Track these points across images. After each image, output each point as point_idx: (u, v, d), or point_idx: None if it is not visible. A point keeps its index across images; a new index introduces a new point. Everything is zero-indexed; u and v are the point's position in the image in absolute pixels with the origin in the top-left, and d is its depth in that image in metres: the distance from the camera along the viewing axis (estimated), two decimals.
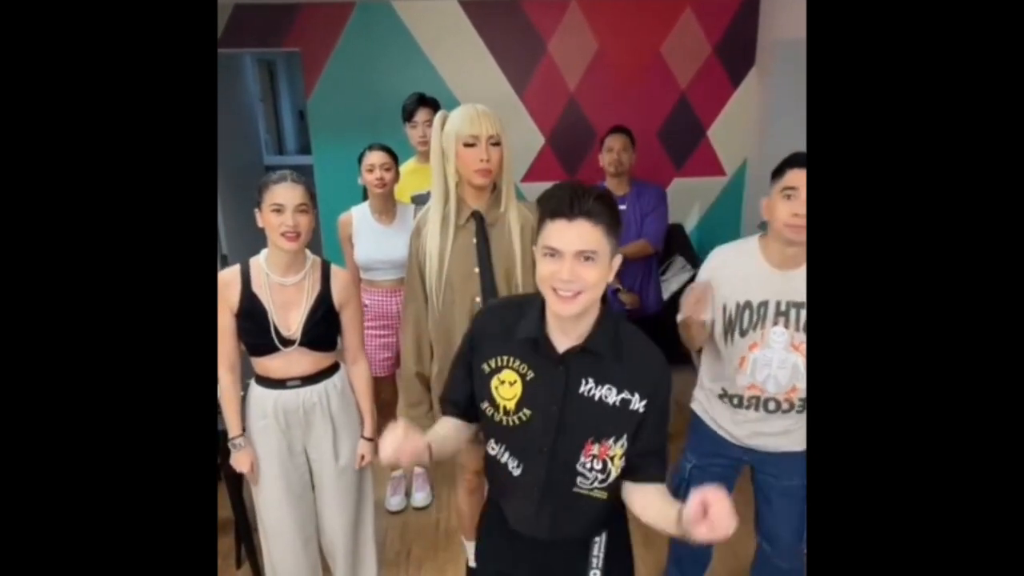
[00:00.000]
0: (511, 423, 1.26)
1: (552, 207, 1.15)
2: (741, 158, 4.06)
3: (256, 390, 1.85)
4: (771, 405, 1.66)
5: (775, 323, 1.60)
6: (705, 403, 1.81)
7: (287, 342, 1.75)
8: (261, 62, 5.77)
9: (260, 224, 1.71)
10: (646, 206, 2.91)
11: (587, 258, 1.13)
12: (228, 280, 1.74)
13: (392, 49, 3.74)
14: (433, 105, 2.67)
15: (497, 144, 1.70)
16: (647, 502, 1.25)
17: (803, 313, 1.58)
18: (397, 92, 3.74)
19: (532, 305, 1.25)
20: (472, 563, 2.29)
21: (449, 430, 1.35)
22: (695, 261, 3.82)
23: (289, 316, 1.75)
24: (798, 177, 1.50)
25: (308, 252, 1.79)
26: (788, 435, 1.69)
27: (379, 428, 1.93)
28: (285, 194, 1.67)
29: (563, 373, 1.22)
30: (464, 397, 1.34)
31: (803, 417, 1.67)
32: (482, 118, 1.68)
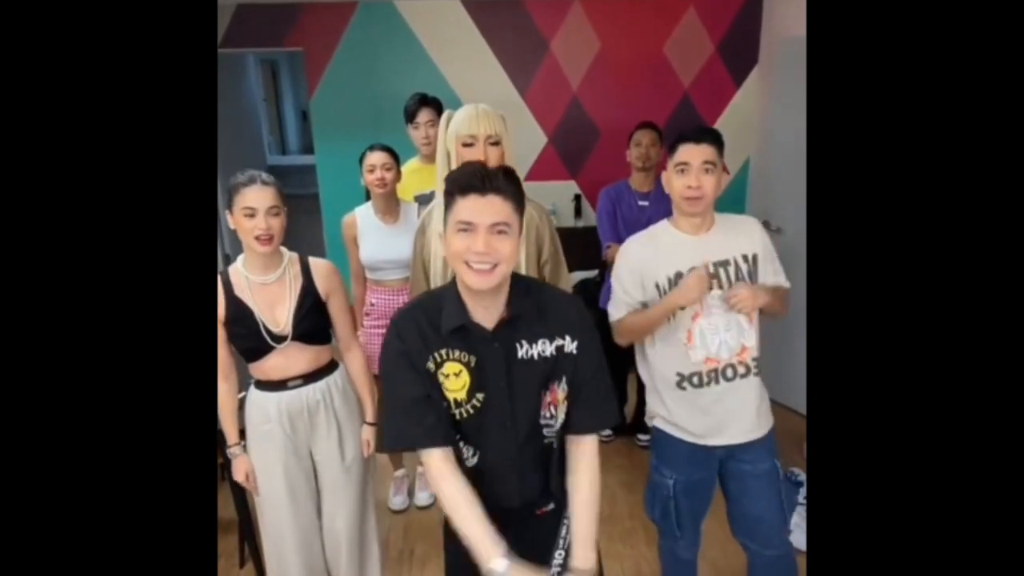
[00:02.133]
0: (463, 414, 1.29)
1: (463, 183, 1.18)
2: (744, 156, 4.05)
3: (256, 394, 1.84)
4: (729, 372, 1.70)
5: (709, 288, 1.65)
6: (666, 413, 1.78)
7: (279, 339, 1.76)
8: (264, 62, 5.78)
9: (231, 226, 1.71)
10: (669, 206, 2.89)
11: (500, 231, 1.17)
12: None
13: (395, 49, 3.74)
14: (435, 105, 2.68)
15: (496, 144, 1.70)
16: (575, 475, 1.32)
17: (730, 270, 1.67)
18: (400, 92, 3.73)
19: (447, 295, 1.27)
20: None
21: (465, 489, 1.27)
22: None
23: (276, 313, 1.76)
24: (688, 152, 1.63)
25: (283, 249, 1.80)
26: (751, 415, 1.72)
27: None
28: (256, 197, 1.66)
29: (500, 348, 1.25)
30: (442, 415, 1.28)
31: (757, 385, 1.73)
32: (481, 118, 1.69)
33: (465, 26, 3.74)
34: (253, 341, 1.75)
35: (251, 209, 1.65)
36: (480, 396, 1.27)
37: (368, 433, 1.95)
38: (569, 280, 1.90)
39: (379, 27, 3.70)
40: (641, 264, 1.72)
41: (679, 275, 1.67)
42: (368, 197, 2.54)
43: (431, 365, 1.26)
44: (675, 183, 1.65)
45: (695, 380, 1.71)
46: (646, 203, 2.93)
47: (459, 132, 1.69)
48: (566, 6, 3.74)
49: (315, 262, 1.83)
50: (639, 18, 3.77)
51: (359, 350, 1.96)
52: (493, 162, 1.69)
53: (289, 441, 1.84)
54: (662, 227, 1.76)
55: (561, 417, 1.32)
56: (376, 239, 2.48)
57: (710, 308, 1.66)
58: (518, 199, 1.20)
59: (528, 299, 1.26)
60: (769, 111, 3.70)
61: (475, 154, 1.67)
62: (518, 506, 1.35)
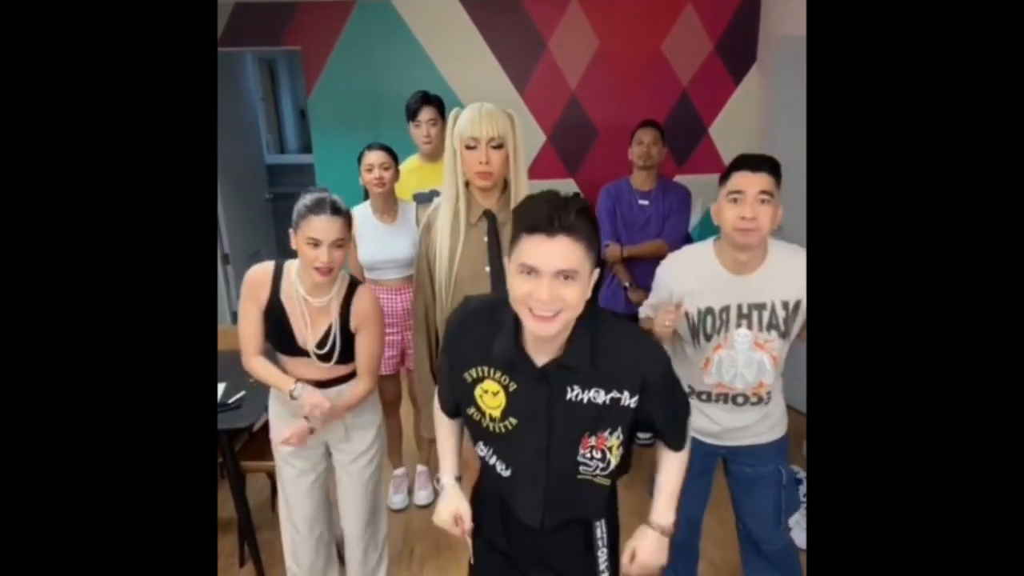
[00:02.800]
0: (499, 430, 1.25)
1: (529, 222, 1.07)
2: None
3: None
4: (739, 399, 1.69)
5: (738, 325, 1.62)
6: None
7: (303, 352, 1.77)
8: (262, 61, 5.76)
9: (293, 246, 1.67)
10: (670, 206, 2.90)
11: (567, 277, 1.06)
12: (260, 281, 1.75)
13: (393, 47, 3.73)
14: (437, 103, 2.67)
15: (499, 147, 1.68)
16: (659, 467, 1.37)
17: (765, 314, 1.61)
18: (398, 90, 3.74)
19: (504, 316, 1.18)
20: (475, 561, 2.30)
21: (459, 436, 1.43)
22: None
23: (308, 331, 1.76)
24: (743, 180, 1.52)
25: (341, 273, 1.77)
26: (757, 428, 1.72)
27: (381, 424, 1.99)
28: (322, 228, 1.61)
29: (545, 387, 1.19)
30: (455, 400, 1.35)
31: (770, 408, 1.71)
32: (483, 120, 1.67)
33: (463, 24, 3.73)
34: (280, 343, 1.78)
35: (316, 240, 1.62)
36: (513, 421, 1.22)
37: (296, 428, 1.79)
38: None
39: (377, 25, 3.69)
40: (677, 287, 1.67)
41: (709, 311, 1.63)
42: (366, 196, 2.54)
43: (468, 376, 1.24)
44: (727, 213, 1.54)
45: (703, 396, 1.72)
46: (646, 202, 2.92)
47: (463, 133, 1.68)
48: (564, 4, 3.74)
49: (360, 295, 1.78)
50: (637, 16, 3.76)
51: (368, 386, 1.88)
52: (496, 165, 1.69)
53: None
54: (706, 254, 1.66)
55: (613, 463, 1.25)
56: (374, 239, 2.47)
57: (734, 344, 1.63)
58: (591, 239, 1.08)
59: (586, 343, 1.16)
60: (768, 109, 3.69)
61: (477, 156, 1.67)
62: (538, 528, 1.32)
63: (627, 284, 2.95)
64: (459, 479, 1.44)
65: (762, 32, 3.82)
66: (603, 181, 3.10)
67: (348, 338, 1.80)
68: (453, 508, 1.38)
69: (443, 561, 2.48)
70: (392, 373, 2.67)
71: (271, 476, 2.72)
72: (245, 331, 1.79)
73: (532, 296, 1.07)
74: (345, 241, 1.66)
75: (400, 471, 2.87)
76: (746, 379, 1.65)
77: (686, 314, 1.65)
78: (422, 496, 2.82)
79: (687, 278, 1.66)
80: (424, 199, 2.66)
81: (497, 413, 1.23)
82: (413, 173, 2.71)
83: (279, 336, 1.77)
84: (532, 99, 3.87)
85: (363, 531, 2.01)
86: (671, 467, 1.36)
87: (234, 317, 4.18)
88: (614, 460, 1.25)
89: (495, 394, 1.22)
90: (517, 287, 1.09)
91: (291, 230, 1.68)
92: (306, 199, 1.65)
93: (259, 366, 1.81)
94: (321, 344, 1.76)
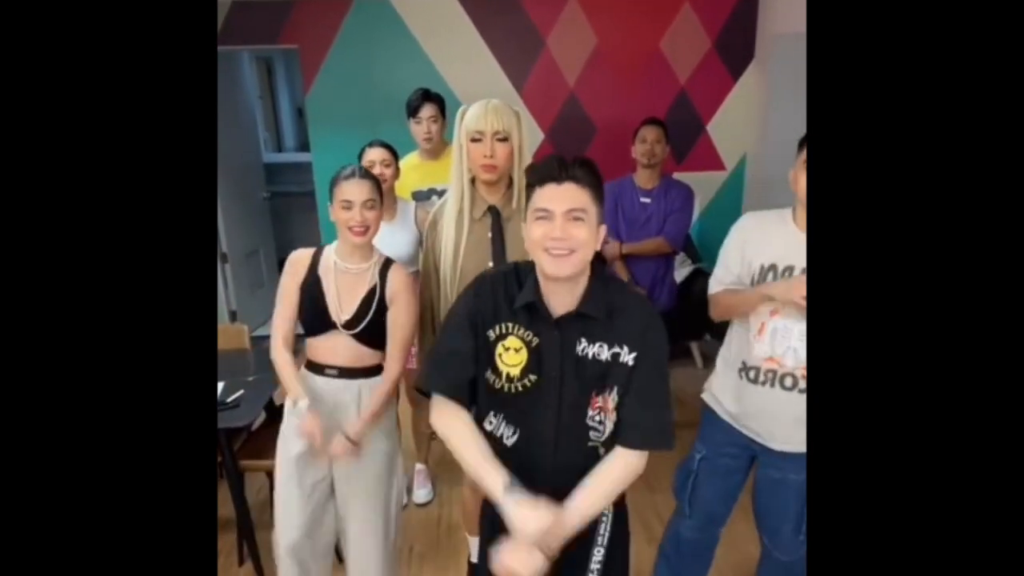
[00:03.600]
0: (513, 390, 1.30)
1: (541, 174, 1.21)
2: (741, 152, 4.06)
3: (304, 372, 1.89)
4: (787, 381, 1.63)
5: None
6: (717, 388, 1.79)
7: (337, 325, 1.80)
8: (259, 59, 5.75)
9: (332, 218, 1.80)
10: (672, 204, 2.90)
11: (577, 217, 1.19)
12: (301, 258, 1.85)
13: (390, 45, 3.73)
14: (438, 101, 2.68)
15: (504, 140, 1.72)
16: (603, 463, 1.30)
17: None
18: (395, 88, 3.74)
19: (527, 274, 1.30)
20: (475, 559, 2.30)
21: (473, 426, 1.33)
22: (696, 255, 3.82)
23: (344, 301, 1.81)
24: None
25: (377, 250, 1.86)
26: (797, 429, 1.66)
27: (393, 428, 1.95)
28: (353, 191, 1.74)
29: (559, 337, 1.26)
30: (468, 377, 1.33)
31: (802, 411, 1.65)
32: (489, 114, 1.71)
33: (461, 22, 3.73)
34: (315, 318, 1.82)
35: (348, 202, 1.74)
36: (532, 378, 1.28)
37: (341, 448, 1.80)
38: None
39: (374, 23, 3.69)
40: (747, 242, 1.66)
41: (773, 267, 1.61)
42: None
43: (492, 333, 1.30)
44: (802, 180, 1.55)
45: (751, 374, 1.69)
46: (648, 200, 2.91)
47: (468, 127, 1.73)
48: (562, 2, 3.74)
49: (396, 268, 1.85)
50: (635, 14, 3.77)
51: (396, 369, 1.86)
52: (501, 158, 1.72)
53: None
54: (781, 214, 1.66)
55: (609, 427, 1.31)
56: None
57: (792, 311, 1.59)
58: (596, 187, 1.22)
59: (602, 300, 1.27)
60: (766, 106, 3.70)
61: (482, 149, 1.71)
62: (548, 492, 1.27)
63: (624, 281, 2.95)
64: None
65: (760, 29, 3.82)
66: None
67: (381, 310, 1.82)
68: (539, 525, 1.19)
69: (442, 559, 2.49)
70: None
71: (270, 475, 2.71)
72: (280, 314, 1.85)
73: (547, 236, 1.19)
74: (376, 203, 1.77)
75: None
76: (797, 355, 1.60)
77: (748, 267, 1.64)
78: (421, 495, 2.82)
79: (758, 234, 1.66)
80: (423, 197, 2.66)
81: (517, 371, 1.29)
82: (412, 170, 2.71)
83: (313, 310, 1.81)
84: (530, 97, 3.87)
85: (369, 526, 1.94)
86: (614, 464, 1.30)
87: (232, 316, 4.18)
88: (609, 424, 1.31)
89: (517, 350, 1.29)
90: (534, 231, 1.21)
91: (329, 204, 1.81)
92: (338, 172, 1.80)
93: (282, 361, 1.83)
94: (355, 317, 1.79)
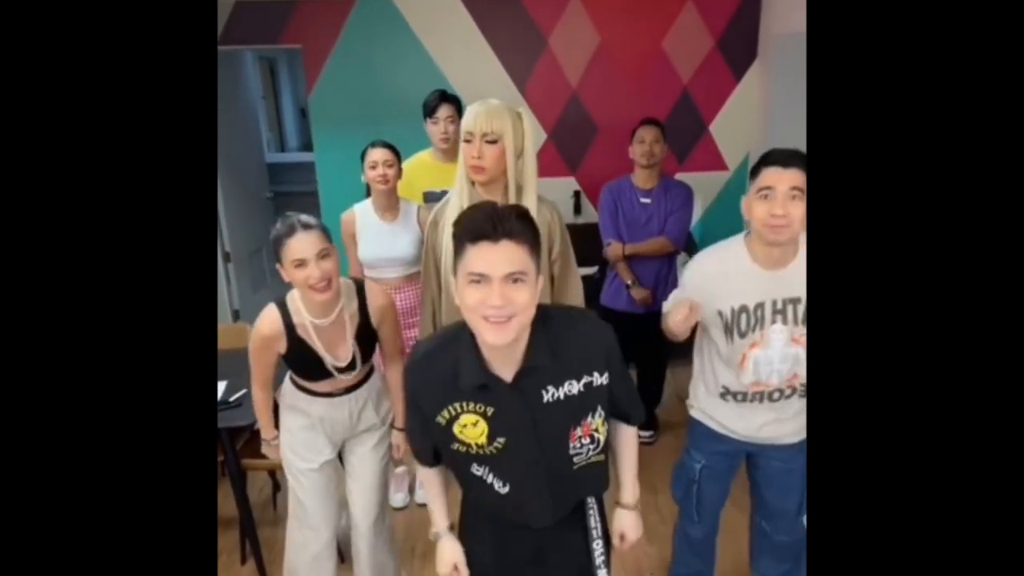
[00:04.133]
0: (489, 452, 1.26)
1: (473, 230, 1.08)
2: (743, 152, 4.05)
3: (295, 393, 1.88)
4: (775, 395, 1.67)
5: (773, 321, 1.59)
6: (706, 407, 1.80)
7: (341, 370, 1.80)
8: (262, 59, 5.76)
9: (286, 279, 1.66)
10: (672, 204, 2.90)
11: (516, 280, 1.08)
12: (272, 334, 1.72)
13: (393, 45, 3.73)
14: (455, 102, 2.67)
15: (493, 142, 1.70)
16: (618, 449, 1.44)
17: (800, 308, 1.58)
18: (398, 88, 3.75)
19: (461, 343, 1.19)
20: None
21: (446, 483, 1.46)
22: None
23: (338, 351, 1.78)
24: (774, 177, 1.49)
25: (341, 281, 1.76)
26: (791, 426, 1.71)
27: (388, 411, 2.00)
28: (302, 247, 1.60)
29: (522, 398, 1.19)
30: (431, 446, 1.36)
31: (803, 401, 1.69)
32: (479, 116, 1.70)
33: (463, 22, 3.73)
34: (314, 373, 1.80)
35: (300, 260, 1.60)
36: (501, 440, 1.23)
37: (398, 438, 1.99)
38: (578, 275, 1.91)
39: (377, 23, 3.69)
40: (707, 289, 1.64)
41: (743, 308, 1.60)
42: (368, 194, 2.53)
43: (441, 419, 1.23)
44: (757, 210, 1.52)
45: (739, 397, 1.71)
46: (648, 200, 2.91)
47: (462, 128, 1.73)
48: (564, 1, 3.73)
49: (370, 292, 1.81)
50: (638, 13, 3.76)
51: (401, 365, 1.89)
52: (489, 160, 1.71)
53: (328, 442, 1.91)
54: (737, 251, 1.63)
55: (602, 440, 1.30)
56: (375, 237, 2.47)
57: (770, 341, 1.61)
58: (534, 240, 1.11)
59: (543, 341, 1.18)
60: (768, 107, 3.69)
61: (471, 150, 1.70)
62: (551, 524, 1.34)
63: (629, 282, 2.94)
64: (451, 527, 1.46)
65: (763, 29, 3.82)
66: (604, 179, 3.09)
67: (370, 337, 1.83)
68: (452, 558, 1.43)
69: None
70: None
71: (272, 474, 2.72)
72: (255, 372, 1.82)
73: (484, 303, 1.07)
74: (329, 251, 1.65)
75: (401, 469, 2.88)
76: (781, 374, 1.63)
77: (719, 312, 1.62)
78: (423, 495, 2.82)
79: (717, 280, 1.63)
80: (435, 198, 2.66)
81: (483, 440, 1.23)
82: (426, 171, 2.71)
83: (307, 370, 1.79)
84: (533, 96, 3.87)
85: (374, 522, 2.00)
86: (629, 446, 1.44)
87: (235, 315, 4.19)
88: (602, 437, 1.30)
89: (475, 424, 1.22)
90: (468, 296, 1.09)
91: (277, 266, 1.67)
92: (276, 228, 1.65)
93: (258, 399, 1.89)
94: (353, 357, 1.80)
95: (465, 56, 3.77)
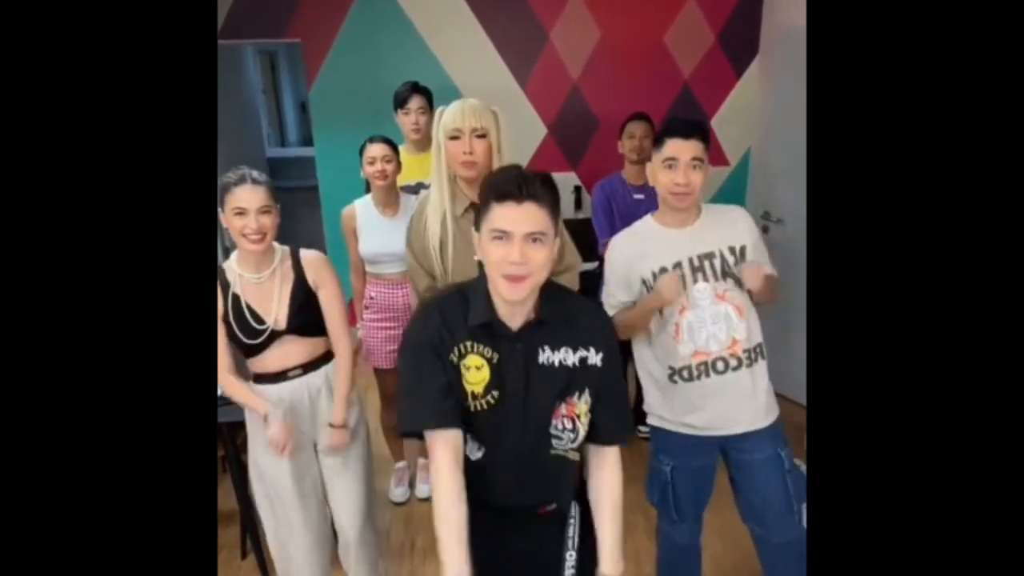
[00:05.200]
0: (477, 407, 1.27)
1: (499, 189, 1.17)
2: (745, 147, 4.04)
3: (257, 389, 1.85)
4: (719, 365, 1.69)
5: (695, 280, 1.65)
6: (661, 409, 1.80)
7: (275, 334, 1.77)
8: (262, 54, 5.74)
9: (224, 225, 1.71)
10: None
11: (536, 239, 1.16)
12: None
13: (393, 39, 3.72)
14: (426, 94, 2.69)
15: (483, 136, 1.73)
16: (598, 481, 1.33)
17: (716, 262, 1.66)
18: (398, 82, 3.70)
19: (475, 291, 1.27)
20: None
21: (462, 517, 1.23)
22: None
23: (271, 308, 1.77)
24: (676, 147, 1.61)
25: (276, 245, 1.81)
26: (747, 409, 1.71)
27: (361, 414, 1.96)
28: (246, 197, 1.66)
29: (521, 349, 1.25)
30: (454, 403, 1.25)
31: (755, 380, 1.71)
32: (466, 112, 1.72)
33: (464, 16, 3.72)
34: (251, 337, 1.77)
35: (241, 208, 1.66)
36: (495, 394, 1.26)
37: (334, 437, 1.86)
38: (578, 258, 1.90)
39: (377, 18, 3.67)
40: (626, 262, 1.72)
41: (663, 270, 1.67)
42: (368, 189, 2.53)
43: (453, 356, 1.26)
44: (662, 178, 1.64)
45: (685, 374, 1.71)
46: (641, 196, 2.91)
47: (446, 125, 1.73)
48: None
49: (305, 255, 1.83)
50: (639, 7, 3.74)
51: (346, 345, 1.88)
52: (480, 155, 1.73)
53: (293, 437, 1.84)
54: (646, 222, 1.76)
55: (582, 431, 1.30)
56: (375, 232, 2.47)
57: (696, 301, 1.66)
58: (554, 206, 1.20)
59: (556, 305, 1.26)
60: (770, 101, 3.68)
61: (460, 147, 1.72)
62: (515, 506, 1.34)
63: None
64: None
65: (764, 24, 3.80)
66: (604, 174, 3.09)
67: (313, 302, 1.81)
68: None
69: None
70: (393, 368, 2.67)
71: None
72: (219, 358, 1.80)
73: (505, 259, 1.16)
74: (270, 207, 1.70)
75: (401, 464, 2.88)
76: (719, 338, 1.67)
77: (643, 281, 1.69)
78: (424, 489, 2.82)
79: (633, 250, 1.72)
80: (411, 191, 2.66)
81: (480, 388, 1.26)
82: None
83: (246, 331, 1.75)
84: (533, 91, 3.86)
85: (359, 529, 1.98)
86: (611, 491, 1.33)
87: None
88: (582, 429, 1.30)
89: (479, 368, 1.26)
90: (491, 252, 1.18)
91: (219, 210, 1.70)
92: (226, 176, 1.70)
93: (231, 388, 1.82)
94: (290, 318, 1.77)
95: (466, 50, 3.76)
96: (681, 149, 1.61)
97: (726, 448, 1.80)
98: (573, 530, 1.37)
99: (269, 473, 1.86)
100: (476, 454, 1.31)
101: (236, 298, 1.76)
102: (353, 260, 2.57)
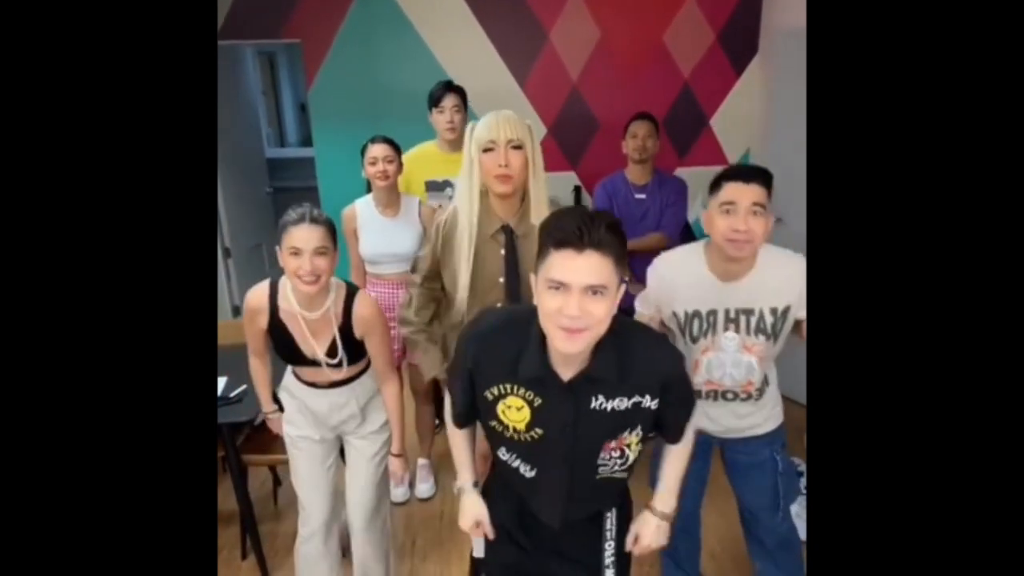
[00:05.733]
0: (523, 440, 1.26)
1: (559, 236, 1.06)
2: (744, 147, 4.04)
3: (291, 377, 1.92)
4: (729, 395, 1.70)
5: (726, 328, 1.62)
6: None
7: (314, 362, 1.80)
8: (262, 54, 5.74)
9: (281, 264, 1.68)
10: (667, 198, 2.89)
11: (596, 292, 1.06)
12: (257, 306, 1.77)
13: (392, 39, 3.72)
14: (460, 92, 2.68)
15: (519, 148, 1.65)
16: (667, 457, 1.44)
17: (753, 319, 1.60)
18: (398, 83, 3.73)
19: (528, 336, 1.18)
20: (477, 553, 2.30)
21: (473, 441, 1.47)
22: None
23: (313, 344, 1.77)
24: (736, 191, 1.49)
25: (333, 283, 1.76)
26: (750, 420, 1.74)
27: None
28: (302, 237, 1.61)
29: (572, 399, 1.20)
30: (469, 406, 1.35)
31: (763, 401, 1.72)
32: (501, 124, 1.65)
33: (463, 16, 3.72)
34: (291, 356, 1.82)
35: (296, 249, 1.61)
36: (539, 431, 1.24)
37: (396, 465, 1.98)
38: None
39: (377, 18, 3.67)
40: (665, 288, 1.67)
41: (696, 314, 1.62)
42: (369, 189, 2.53)
43: (489, 395, 1.24)
44: (718, 223, 1.51)
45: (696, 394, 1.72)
46: (643, 196, 2.91)
47: (479, 138, 1.66)
48: None
49: (359, 302, 1.77)
50: (639, 7, 3.74)
51: (395, 383, 1.91)
52: (516, 168, 1.65)
53: (315, 429, 1.92)
54: (696, 258, 1.64)
55: (631, 457, 1.30)
56: (376, 232, 2.47)
57: (722, 347, 1.63)
58: (620, 255, 1.09)
59: (612, 356, 1.17)
60: (770, 101, 3.68)
61: (495, 159, 1.64)
62: (558, 526, 1.36)
63: (626, 278, 2.94)
64: (476, 484, 1.47)
65: (764, 23, 3.80)
66: (604, 173, 3.08)
67: (354, 344, 1.81)
68: (475, 513, 1.42)
69: (445, 553, 2.49)
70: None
71: (273, 469, 2.73)
72: (248, 340, 1.86)
73: (562, 312, 1.06)
74: (328, 249, 1.65)
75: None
76: (735, 378, 1.67)
77: (674, 314, 1.66)
78: (423, 489, 2.82)
79: (677, 280, 1.65)
80: (436, 187, 2.66)
81: (522, 426, 1.24)
82: (430, 159, 2.71)
83: (287, 350, 1.81)
84: (533, 91, 3.86)
85: (370, 520, 2.00)
86: (675, 459, 1.43)
87: (235, 311, 4.18)
88: (632, 455, 1.29)
89: (519, 409, 1.22)
90: (546, 303, 1.09)
91: (276, 248, 1.69)
92: (288, 213, 1.67)
93: (254, 370, 1.94)
94: (330, 353, 1.79)
95: (465, 50, 3.76)
96: (741, 193, 1.48)
97: (723, 448, 1.84)
98: (611, 522, 1.40)
99: (292, 436, 1.94)
100: (529, 473, 1.32)
101: (283, 325, 1.76)
102: (353, 260, 2.57)
